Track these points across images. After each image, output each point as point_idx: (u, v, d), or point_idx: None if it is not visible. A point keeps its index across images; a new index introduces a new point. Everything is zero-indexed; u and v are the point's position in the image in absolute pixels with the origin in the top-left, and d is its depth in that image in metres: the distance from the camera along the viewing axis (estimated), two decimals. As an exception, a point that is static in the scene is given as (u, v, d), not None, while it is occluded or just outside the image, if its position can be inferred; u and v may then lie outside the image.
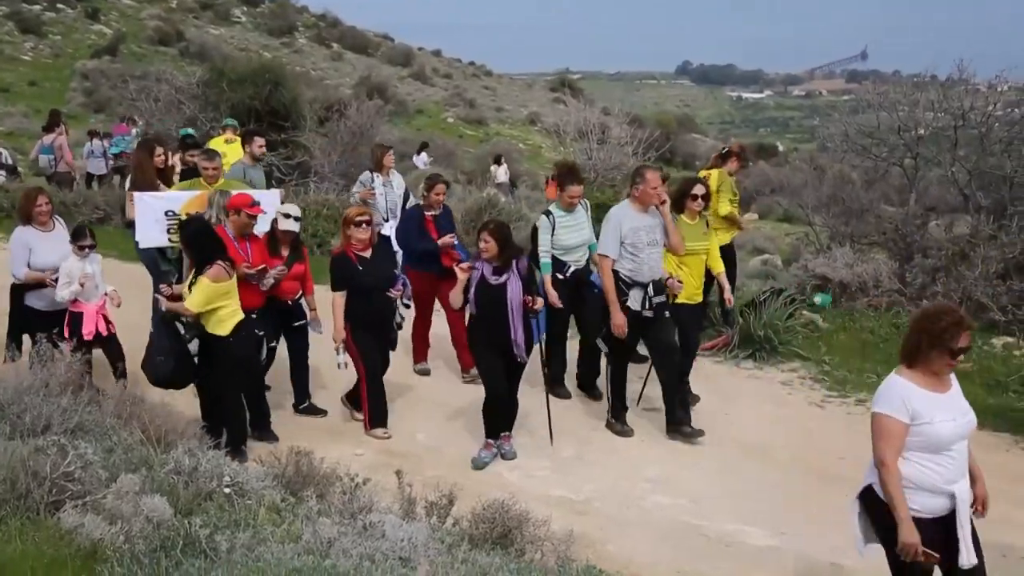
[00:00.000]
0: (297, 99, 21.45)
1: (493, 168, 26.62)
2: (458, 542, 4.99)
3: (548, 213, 9.49)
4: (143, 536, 4.45)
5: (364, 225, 8.63)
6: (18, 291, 8.99)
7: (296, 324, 8.97)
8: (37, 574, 4.32)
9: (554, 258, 9.40)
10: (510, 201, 22.38)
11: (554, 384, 9.44)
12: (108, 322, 8.80)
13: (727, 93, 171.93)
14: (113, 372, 8.76)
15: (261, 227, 8.86)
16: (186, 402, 8.09)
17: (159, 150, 10.88)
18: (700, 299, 9.36)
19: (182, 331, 7.70)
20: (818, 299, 7.68)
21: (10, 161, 20.82)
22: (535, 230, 9.59)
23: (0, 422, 5.93)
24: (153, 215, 9.70)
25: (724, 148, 12.11)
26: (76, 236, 8.80)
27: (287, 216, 8.83)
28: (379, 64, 61.61)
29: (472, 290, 8.09)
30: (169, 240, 9.66)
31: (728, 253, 10.63)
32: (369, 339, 8.57)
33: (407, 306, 9.29)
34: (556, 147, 25.05)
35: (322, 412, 9.11)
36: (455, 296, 8.21)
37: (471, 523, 5.59)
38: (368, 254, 8.68)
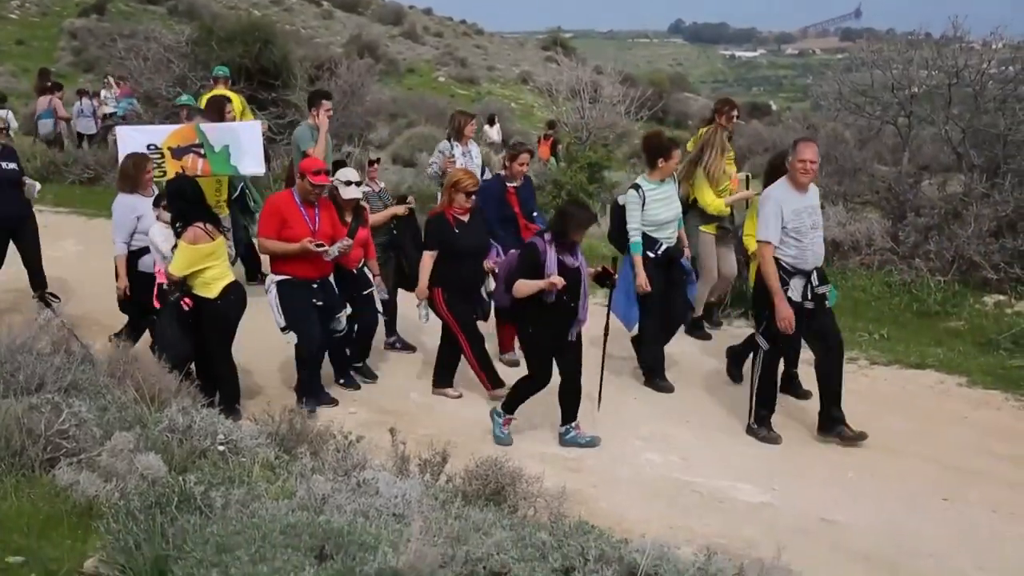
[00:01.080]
0: (287, 58, 21.29)
1: (485, 128, 26.55)
2: (451, 499, 5.02)
3: (637, 187, 8.87)
4: (138, 493, 4.46)
5: (473, 196, 8.54)
6: (130, 259, 8.81)
7: (364, 292, 8.85)
8: (33, 531, 4.35)
9: (644, 235, 8.84)
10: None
11: (653, 376, 9.08)
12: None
13: (720, 52, 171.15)
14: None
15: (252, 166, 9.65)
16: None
17: (228, 107, 10.72)
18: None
19: (169, 293, 7.74)
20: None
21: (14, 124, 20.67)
22: (617, 207, 9.04)
23: (-7, 381, 5.94)
24: (135, 148, 9.67)
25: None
26: (159, 201, 8.35)
27: (348, 183, 8.68)
28: (369, 23, 61.17)
29: (552, 275, 7.52)
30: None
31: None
32: (464, 306, 8.53)
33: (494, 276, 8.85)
34: (548, 106, 24.88)
35: (373, 376, 9.10)
36: (527, 287, 7.57)
37: (464, 480, 5.63)
38: (466, 219, 8.58)
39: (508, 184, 9.56)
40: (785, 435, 7.94)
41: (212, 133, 10.42)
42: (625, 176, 25.72)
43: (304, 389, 8.27)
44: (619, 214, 8.97)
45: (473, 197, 8.55)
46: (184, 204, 7.82)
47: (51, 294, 9.27)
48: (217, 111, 10.55)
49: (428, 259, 8.49)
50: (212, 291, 7.71)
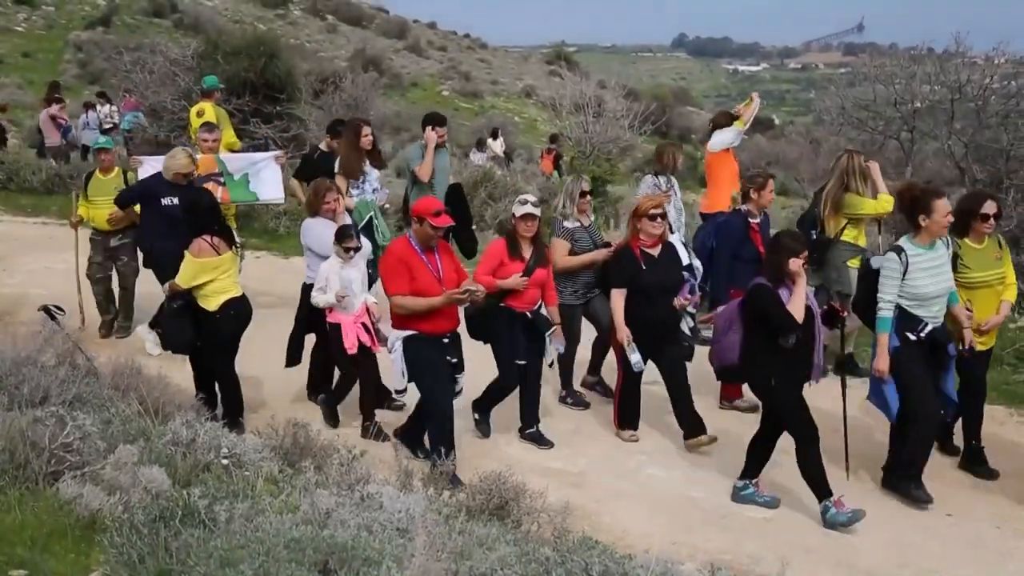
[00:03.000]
0: (292, 71, 21.33)
1: (489, 141, 26.60)
2: (455, 513, 5.02)
3: (899, 250, 7.19)
4: (142, 506, 4.47)
5: (659, 219, 7.85)
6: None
7: (535, 340, 7.95)
8: (37, 544, 4.34)
9: (903, 311, 7.20)
10: (505, 174, 22.36)
11: (907, 484, 7.30)
12: (369, 332, 7.99)
13: (723, 66, 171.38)
14: (362, 393, 8.11)
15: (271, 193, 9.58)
16: (184, 375, 8.09)
17: (366, 130, 10.19)
18: (992, 343, 7.90)
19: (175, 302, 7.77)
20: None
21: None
22: (870, 271, 7.47)
23: (-2, 393, 5.94)
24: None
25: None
26: (341, 237, 7.97)
27: (524, 201, 7.87)
28: (374, 37, 61.20)
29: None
30: None
31: None
32: (640, 340, 7.80)
33: (690, 315, 8.32)
34: (552, 120, 24.96)
35: (548, 443, 8.02)
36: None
37: (468, 495, 5.64)
38: (656, 252, 7.91)
39: (751, 220, 8.63)
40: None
41: (232, 163, 10.71)
42: (629, 190, 25.84)
43: (434, 441, 7.17)
44: (871, 280, 7.39)
45: (661, 221, 7.90)
46: (194, 217, 7.87)
47: (56, 307, 9.25)
48: (354, 132, 10.11)
49: (618, 298, 7.81)
50: (211, 304, 7.71)
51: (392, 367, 7.37)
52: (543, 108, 36.32)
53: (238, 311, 7.85)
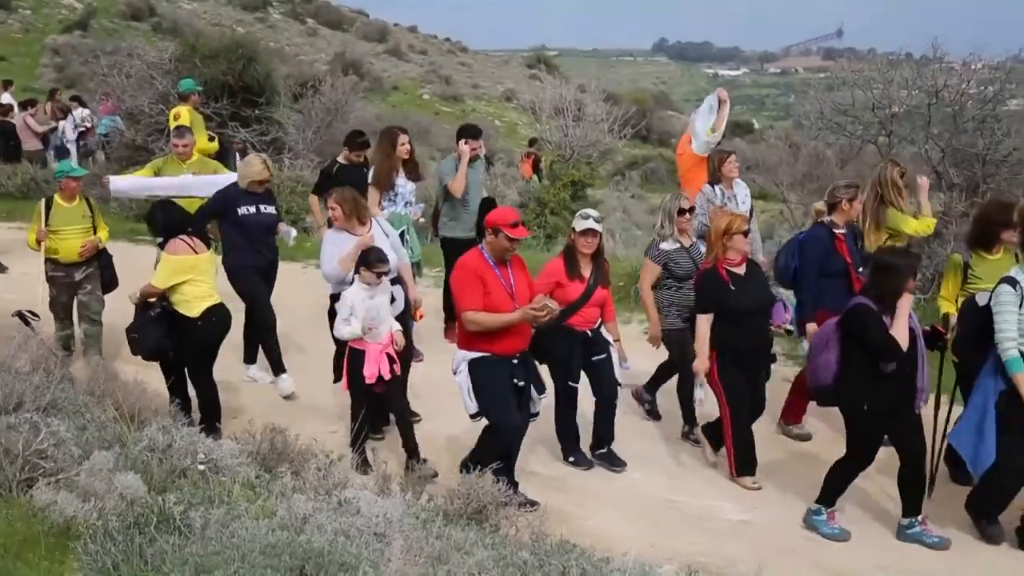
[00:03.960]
0: (271, 75, 21.30)
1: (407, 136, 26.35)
2: (432, 518, 5.01)
3: (1013, 281, 6.51)
4: (116, 513, 4.44)
5: (746, 235, 7.34)
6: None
7: (596, 358, 7.57)
8: (10, 552, 4.31)
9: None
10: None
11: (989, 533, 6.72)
12: (393, 362, 7.43)
13: (703, 70, 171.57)
14: (391, 420, 7.84)
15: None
16: (161, 380, 8.04)
17: (403, 138, 9.71)
18: None
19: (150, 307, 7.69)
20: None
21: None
22: (974, 307, 6.87)
23: (-29, 400, 5.89)
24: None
25: None
26: (371, 261, 7.31)
27: (585, 217, 7.42)
28: (354, 40, 61.13)
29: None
30: None
31: None
32: (737, 374, 7.24)
33: (790, 332, 8.08)
34: (532, 124, 24.97)
35: (621, 464, 7.72)
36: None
37: (446, 499, 5.62)
38: (742, 271, 7.32)
39: (836, 231, 8.03)
40: (766, 456, 7.93)
41: (197, 187, 10.04)
42: (609, 193, 25.84)
43: (483, 449, 6.93)
44: (977, 316, 6.79)
45: (747, 236, 7.39)
46: (165, 217, 7.83)
47: (31, 312, 9.16)
48: (390, 141, 9.70)
49: (704, 324, 7.21)
50: (193, 310, 7.64)
51: (459, 391, 6.93)
52: (523, 112, 36.32)
53: (220, 318, 7.80)
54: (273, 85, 21.06)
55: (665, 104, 62.46)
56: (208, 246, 7.94)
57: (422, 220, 10.43)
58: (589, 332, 7.52)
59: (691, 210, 8.14)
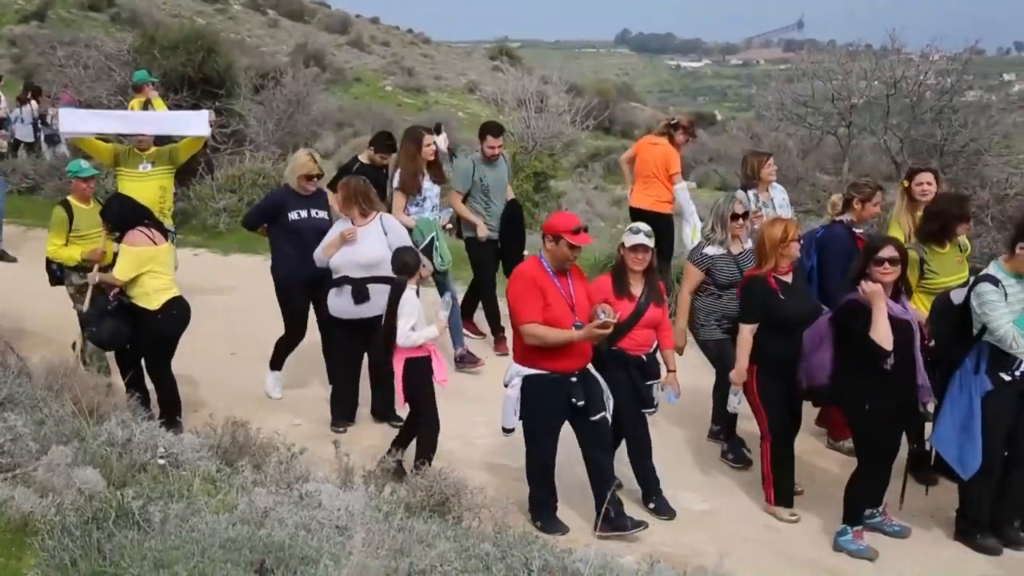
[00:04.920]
0: (231, 66, 21.10)
1: (432, 136, 26.37)
2: (395, 510, 5.00)
3: (994, 280, 6.33)
4: (75, 508, 4.40)
5: (796, 242, 6.85)
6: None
7: (648, 383, 6.96)
8: (-34, 548, 4.26)
9: (996, 351, 6.33)
10: (448, 169, 22.28)
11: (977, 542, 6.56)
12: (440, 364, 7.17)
13: (666, 62, 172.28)
14: (420, 439, 7.08)
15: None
16: (119, 375, 7.97)
17: (428, 139, 9.28)
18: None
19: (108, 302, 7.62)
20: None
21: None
22: (948, 306, 6.60)
23: (-74, 395, 5.82)
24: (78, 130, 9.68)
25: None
26: (410, 266, 7.06)
27: (635, 231, 6.77)
28: (316, 31, 60.77)
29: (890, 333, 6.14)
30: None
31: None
32: (778, 392, 6.76)
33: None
34: (495, 115, 24.97)
35: (670, 512, 6.89)
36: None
37: (409, 491, 5.61)
38: (790, 279, 6.84)
39: (856, 230, 7.79)
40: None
41: (153, 123, 10.00)
42: (572, 185, 25.86)
43: (536, 508, 6.69)
44: (951, 316, 6.58)
45: (797, 242, 6.91)
46: (121, 210, 7.75)
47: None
48: (415, 142, 9.31)
49: (747, 334, 6.76)
50: (153, 303, 7.57)
51: (504, 403, 6.58)
52: (486, 104, 36.24)
53: (180, 311, 7.74)
54: (233, 77, 20.88)
55: (628, 95, 62.53)
56: (166, 238, 7.86)
57: (450, 226, 10.04)
58: (644, 357, 6.89)
59: (746, 215, 7.68)
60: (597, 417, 6.51)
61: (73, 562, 3.88)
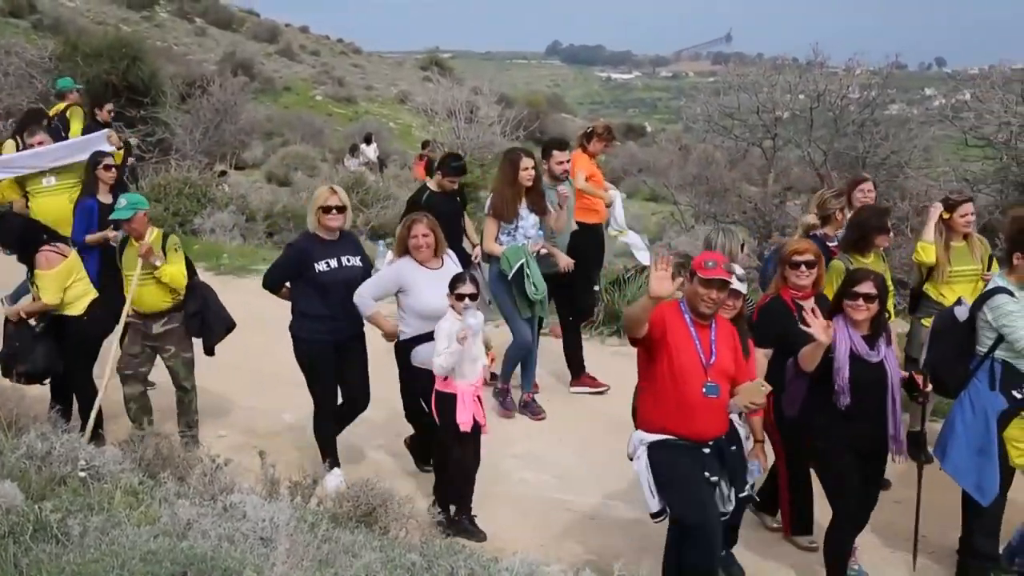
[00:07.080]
0: (157, 74, 20.95)
1: (362, 147, 26.43)
2: (320, 521, 4.97)
3: (1007, 291, 5.97)
4: (-9, 523, 4.30)
5: (810, 269, 6.37)
6: (405, 347, 7.07)
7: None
8: None
9: (1004, 365, 5.99)
10: (378, 180, 22.26)
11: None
12: (481, 406, 6.68)
13: (596, 73, 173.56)
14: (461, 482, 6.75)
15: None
16: (41, 386, 7.81)
17: (526, 162, 8.30)
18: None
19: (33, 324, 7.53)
20: None
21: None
22: (950, 322, 6.24)
23: None
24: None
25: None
26: (454, 284, 6.55)
27: (730, 272, 5.55)
28: (244, 40, 60.18)
29: (842, 370, 5.72)
30: None
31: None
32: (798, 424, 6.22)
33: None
34: (426, 126, 25.00)
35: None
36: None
37: (335, 502, 5.58)
38: (809, 304, 6.26)
39: (830, 244, 7.63)
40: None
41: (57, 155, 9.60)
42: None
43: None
44: (957, 334, 6.21)
45: (814, 270, 6.43)
46: (21, 235, 7.67)
47: None
48: (512, 164, 8.37)
49: (763, 359, 6.23)
50: (77, 308, 7.58)
51: (639, 481, 5.67)
52: (417, 114, 36.26)
53: (104, 311, 7.70)
54: (159, 85, 20.71)
55: (559, 106, 62.96)
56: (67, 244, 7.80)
57: (543, 252, 8.60)
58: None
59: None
60: (740, 494, 5.77)
61: (-12, 578, 3.80)
